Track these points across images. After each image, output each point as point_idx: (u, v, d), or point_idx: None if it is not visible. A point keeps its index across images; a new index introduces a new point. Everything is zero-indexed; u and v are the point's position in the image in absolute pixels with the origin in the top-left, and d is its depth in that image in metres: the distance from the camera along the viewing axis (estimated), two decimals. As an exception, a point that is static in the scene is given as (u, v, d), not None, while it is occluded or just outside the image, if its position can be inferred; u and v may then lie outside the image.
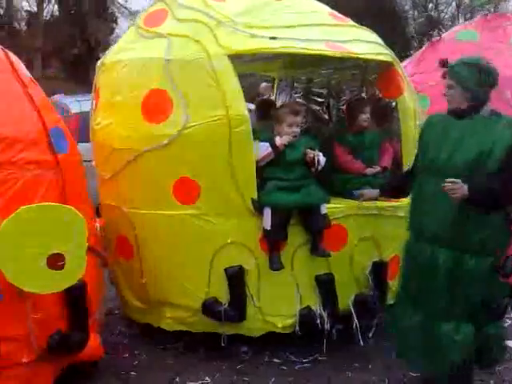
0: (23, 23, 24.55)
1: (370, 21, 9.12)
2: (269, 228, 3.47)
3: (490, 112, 2.91)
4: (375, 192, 3.73)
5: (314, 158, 3.63)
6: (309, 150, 3.65)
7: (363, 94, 4.66)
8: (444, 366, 2.93)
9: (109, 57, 3.93)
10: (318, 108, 5.01)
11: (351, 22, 4.09)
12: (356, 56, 3.77)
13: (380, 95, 4.36)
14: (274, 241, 3.53)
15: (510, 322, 4.26)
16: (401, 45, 20.42)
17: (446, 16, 23.88)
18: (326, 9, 4.14)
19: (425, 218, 2.99)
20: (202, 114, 3.41)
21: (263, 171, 3.62)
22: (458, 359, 2.89)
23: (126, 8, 24.10)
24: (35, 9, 23.24)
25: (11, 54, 3.26)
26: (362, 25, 4.13)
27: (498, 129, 2.83)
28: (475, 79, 2.84)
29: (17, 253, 2.72)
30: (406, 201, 3.50)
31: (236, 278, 3.52)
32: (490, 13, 6.29)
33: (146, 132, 3.53)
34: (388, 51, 3.98)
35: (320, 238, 3.58)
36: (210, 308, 3.55)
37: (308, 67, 4.78)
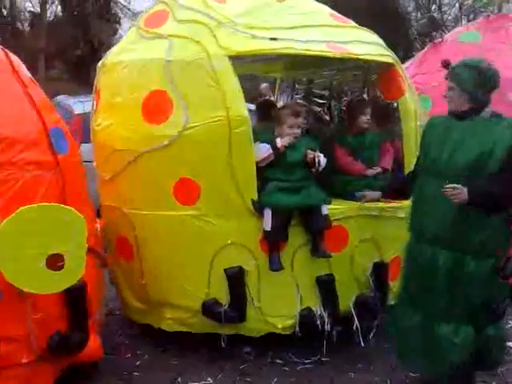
0: (26, 24, 24.61)
1: (371, 21, 9.10)
2: (269, 229, 3.47)
3: (490, 114, 2.91)
4: (377, 194, 3.72)
5: (314, 159, 3.63)
6: (309, 151, 3.65)
7: (364, 95, 4.65)
8: (444, 367, 2.94)
9: (109, 58, 3.93)
10: (319, 109, 5.01)
11: (352, 23, 4.09)
12: (357, 57, 3.77)
13: (381, 96, 4.36)
14: (274, 242, 3.53)
15: (511, 323, 4.25)
16: (404, 46, 20.43)
17: (450, 17, 23.85)
18: (327, 10, 4.14)
19: (425, 218, 2.99)
20: (202, 114, 3.41)
21: (264, 172, 3.61)
22: (457, 360, 2.89)
23: (129, 9, 24.11)
24: (38, 10, 23.27)
25: (11, 54, 3.27)
26: (363, 25, 4.13)
27: (498, 130, 2.83)
28: (474, 81, 2.84)
29: (16, 253, 2.72)
30: (406, 202, 3.49)
31: (236, 278, 3.51)
32: (492, 14, 6.26)
33: (147, 133, 3.53)
34: (389, 52, 3.98)
35: (320, 239, 3.57)
36: (210, 309, 3.55)
37: (309, 68, 4.78)
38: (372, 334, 3.85)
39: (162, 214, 3.55)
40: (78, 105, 7.16)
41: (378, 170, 4.05)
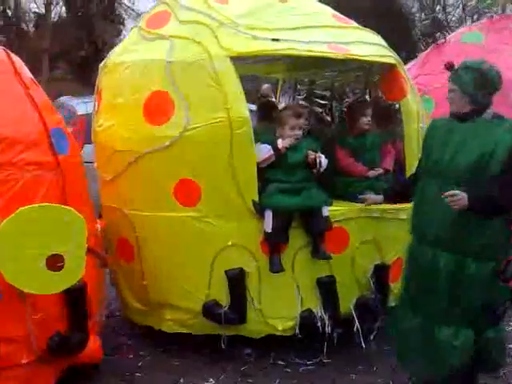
0: (31, 25, 24.66)
1: (375, 22, 9.09)
2: (270, 231, 3.46)
3: (492, 115, 2.90)
4: (379, 198, 3.71)
5: (315, 160, 3.62)
6: (310, 152, 3.64)
7: (366, 97, 4.64)
8: (444, 370, 2.92)
9: (111, 58, 3.93)
10: (320, 110, 5.00)
11: (354, 24, 4.08)
12: (359, 58, 3.76)
13: (382, 97, 4.34)
14: (274, 243, 3.52)
15: (512, 325, 4.25)
16: (408, 47, 20.35)
17: (454, 18, 23.78)
18: (329, 10, 4.13)
19: (426, 220, 2.98)
20: (203, 115, 3.41)
21: (264, 173, 3.61)
22: (457, 364, 2.88)
23: (133, 10, 24.10)
24: (43, 10, 23.32)
25: (14, 56, 3.27)
26: (366, 26, 4.12)
27: (499, 131, 2.82)
28: (475, 83, 2.83)
29: (16, 253, 2.73)
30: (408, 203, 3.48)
31: (236, 280, 3.51)
32: (496, 14, 6.25)
33: (148, 134, 3.53)
34: (391, 53, 3.96)
35: (321, 241, 3.56)
36: (210, 310, 3.54)
37: (311, 69, 4.77)
38: (373, 336, 3.84)
39: (162, 215, 3.55)
40: (82, 106, 7.15)
41: (380, 171, 4.04)
